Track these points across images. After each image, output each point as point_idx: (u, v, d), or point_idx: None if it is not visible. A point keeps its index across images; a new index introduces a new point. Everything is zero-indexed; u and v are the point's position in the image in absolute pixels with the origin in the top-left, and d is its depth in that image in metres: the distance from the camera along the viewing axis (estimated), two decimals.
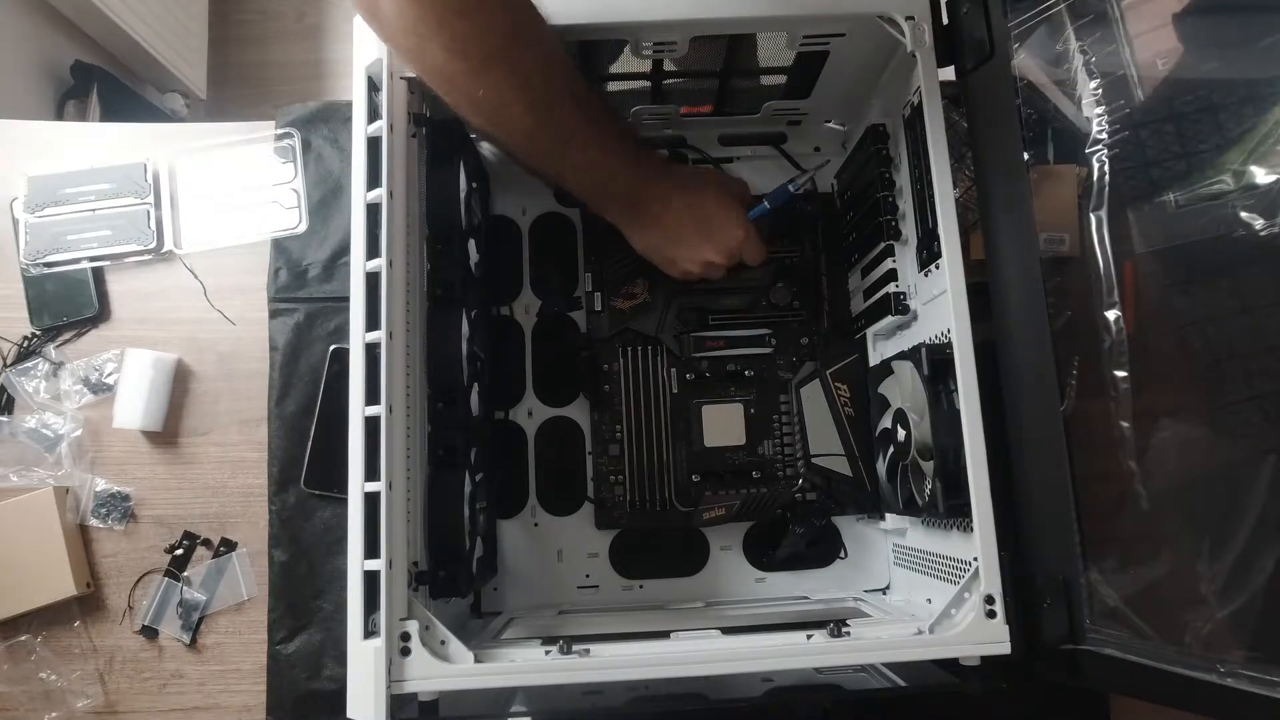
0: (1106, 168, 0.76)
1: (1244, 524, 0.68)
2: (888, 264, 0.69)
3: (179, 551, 0.78)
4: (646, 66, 0.69)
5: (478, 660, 0.54)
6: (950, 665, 0.57)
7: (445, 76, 0.56)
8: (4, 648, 0.77)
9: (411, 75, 0.60)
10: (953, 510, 0.59)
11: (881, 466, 0.70)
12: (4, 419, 0.80)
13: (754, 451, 0.75)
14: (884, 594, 0.75)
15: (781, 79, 0.73)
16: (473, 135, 0.72)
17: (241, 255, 0.83)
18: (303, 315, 0.81)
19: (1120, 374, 0.73)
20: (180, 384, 0.81)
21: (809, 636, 0.56)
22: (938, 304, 0.62)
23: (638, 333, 0.76)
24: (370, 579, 0.53)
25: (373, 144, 0.58)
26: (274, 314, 0.81)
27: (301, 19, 1.83)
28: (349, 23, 0.60)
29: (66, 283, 0.82)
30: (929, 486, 0.61)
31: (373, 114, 0.59)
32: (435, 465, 0.61)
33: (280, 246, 0.83)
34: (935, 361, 0.61)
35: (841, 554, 0.76)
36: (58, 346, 0.81)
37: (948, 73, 0.64)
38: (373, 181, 0.58)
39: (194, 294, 0.82)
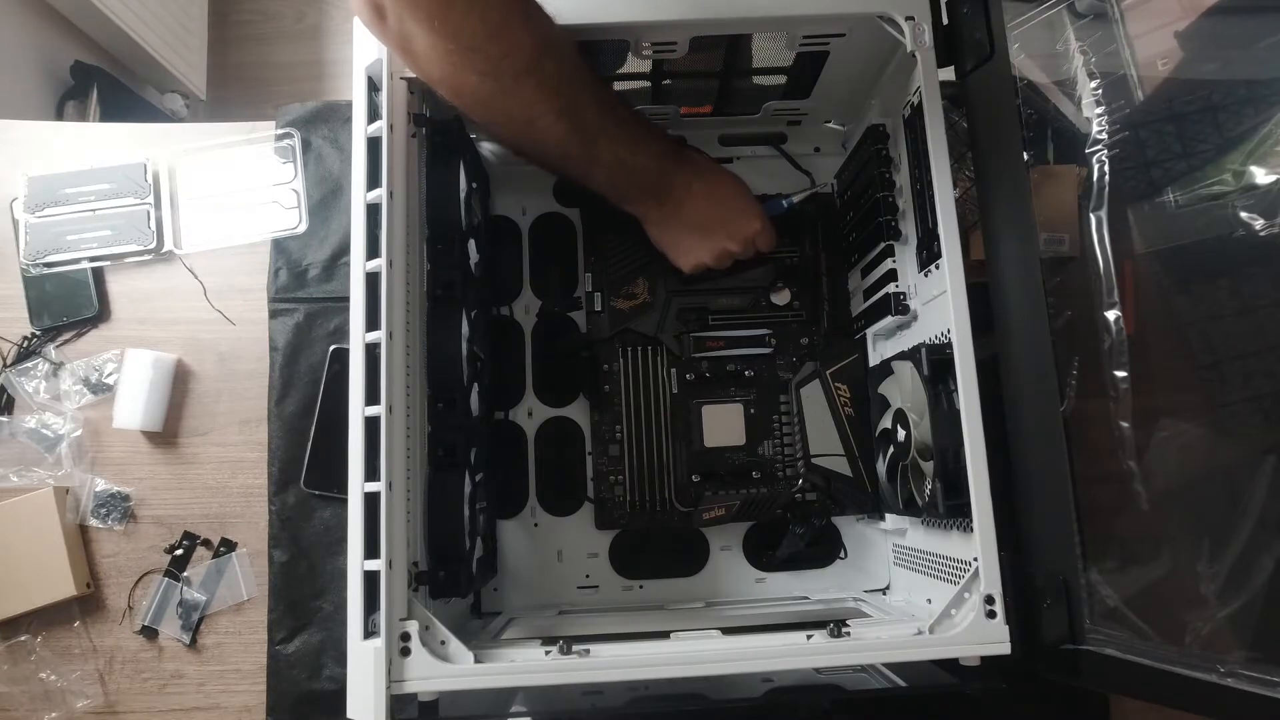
0: (1106, 168, 0.76)
1: (1244, 524, 0.68)
2: (888, 264, 0.69)
3: (179, 551, 0.78)
4: (646, 66, 0.69)
5: (478, 660, 0.54)
6: (950, 665, 0.57)
7: (480, 99, 0.57)
8: (4, 648, 0.77)
9: (412, 75, 0.60)
10: (953, 510, 0.59)
11: (881, 466, 0.70)
12: (4, 419, 0.80)
13: (754, 451, 0.75)
14: (884, 594, 0.75)
15: (781, 79, 0.73)
16: (473, 135, 0.72)
17: (241, 255, 0.83)
18: (303, 315, 0.81)
19: (1120, 374, 0.73)
20: (180, 384, 0.81)
21: (809, 637, 0.56)
22: (938, 304, 0.62)
23: (638, 333, 0.76)
24: (370, 579, 0.53)
25: (373, 144, 0.59)
26: (274, 314, 0.81)
27: (301, 19, 1.83)
28: (349, 23, 0.60)
29: (66, 283, 0.82)
30: (929, 487, 0.61)
31: (373, 114, 0.59)
32: (435, 465, 0.61)
33: (280, 246, 0.83)
34: (935, 362, 0.61)
35: (841, 554, 0.76)
36: (58, 346, 0.81)
37: (948, 73, 0.64)
38: (373, 181, 0.58)
39: (194, 294, 0.82)
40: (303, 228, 0.83)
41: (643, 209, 0.70)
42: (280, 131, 0.85)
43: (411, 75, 0.60)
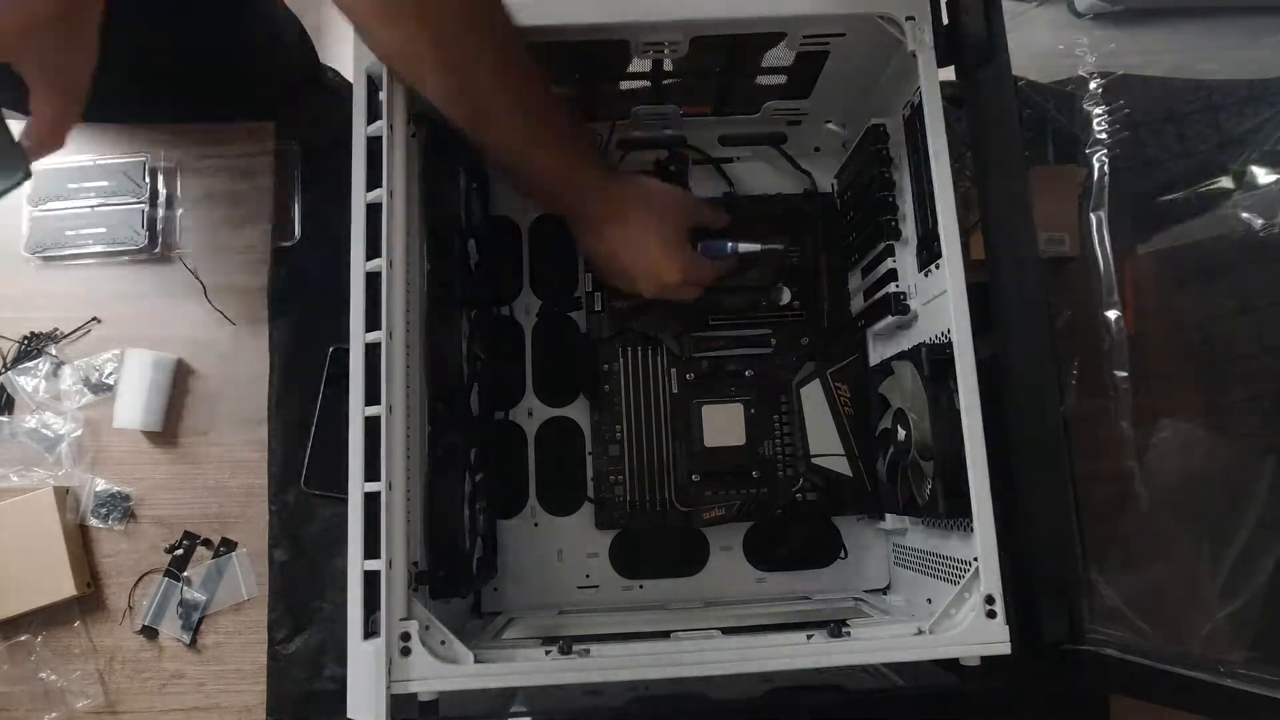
0: (1106, 168, 0.77)
1: (1244, 524, 0.68)
2: (888, 264, 0.69)
3: (179, 551, 0.78)
4: (646, 66, 0.69)
5: (478, 660, 0.54)
6: (950, 665, 0.57)
7: (359, 22, 0.55)
8: (4, 648, 0.77)
9: None
10: (953, 510, 0.59)
11: (881, 466, 0.70)
12: (4, 419, 0.80)
13: (754, 451, 0.75)
14: (884, 594, 0.75)
15: (781, 79, 0.73)
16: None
17: (242, 255, 0.83)
18: (303, 315, 0.81)
19: (1120, 374, 0.73)
20: (180, 384, 0.81)
21: (809, 637, 0.56)
22: (938, 304, 0.62)
23: (638, 333, 0.76)
24: (370, 579, 0.53)
25: (373, 144, 0.58)
26: (274, 314, 0.81)
27: (301, 19, 1.82)
28: (349, 23, 0.60)
29: None
30: (929, 486, 0.61)
31: (373, 114, 0.59)
32: (435, 465, 0.61)
33: (281, 246, 0.83)
34: (935, 362, 0.61)
35: (841, 554, 0.76)
36: (58, 346, 0.81)
37: (948, 73, 0.64)
38: (373, 181, 0.58)
39: (194, 294, 0.82)
40: (295, 239, 0.83)
41: (567, 212, 0.69)
42: (281, 144, 0.85)
43: None
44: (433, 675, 0.53)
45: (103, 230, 0.82)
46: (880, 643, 0.56)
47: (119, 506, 0.79)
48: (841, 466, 0.72)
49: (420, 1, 0.54)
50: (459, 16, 0.55)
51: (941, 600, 0.58)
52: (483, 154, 0.66)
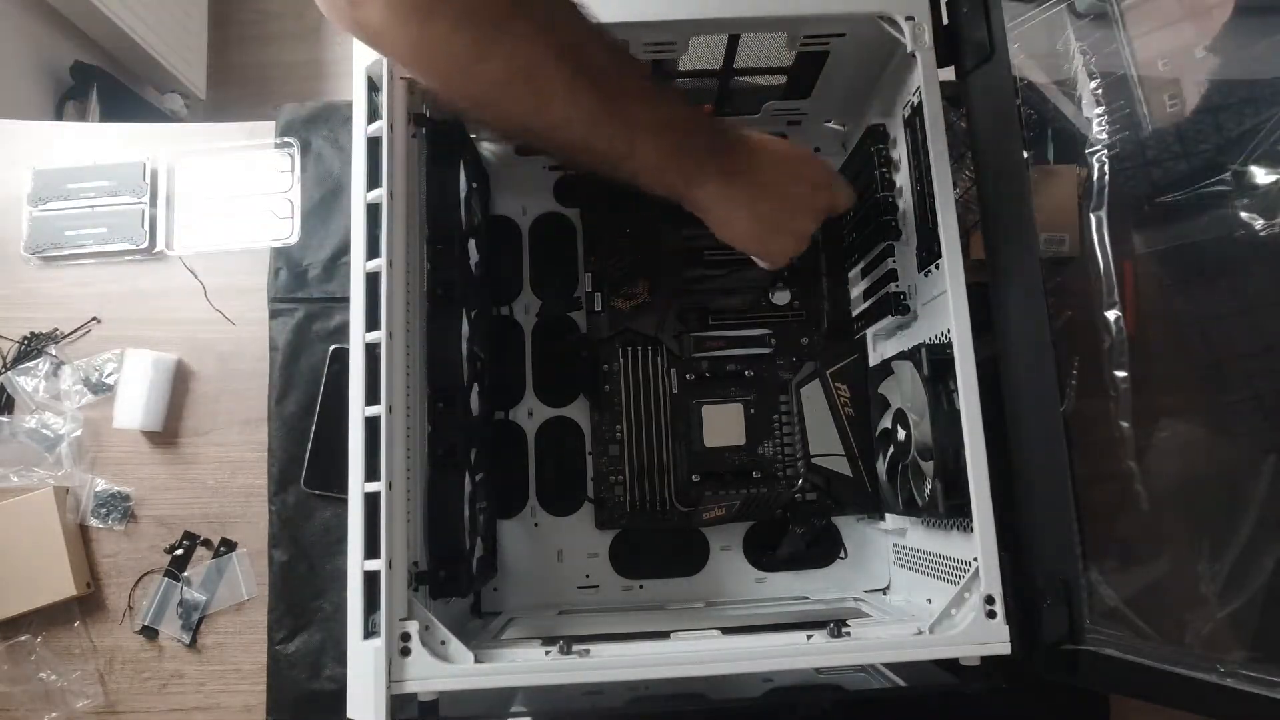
0: (1106, 168, 0.76)
1: (1244, 524, 0.68)
2: (888, 264, 0.69)
3: (179, 551, 0.78)
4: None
5: (478, 660, 0.54)
6: (950, 665, 0.57)
7: (455, 58, 0.46)
8: (4, 648, 0.77)
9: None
10: (953, 510, 0.59)
11: (881, 466, 0.70)
12: (4, 419, 0.80)
13: (754, 451, 0.75)
14: (884, 594, 0.75)
15: (781, 79, 0.73)
16: (473, 135, 0.72)
17: (241, 256, 0.83)
18: (303, 315, 0.81)
19: (1120, 374, 0.73)
20: (180, 384, 0.81)
21: (809, 637, 0.56)
22: (938, 304, 0.62)
23: (638, 333, 0.76)
24: (370, 579, 0.53)
25: (373, 144, 0.59)
26: (274, 314, 0.81)
27: (301, 19, 1.83)
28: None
29: None
30: (929, 486, 0.61)
31: (373, 114, 0.59)
32: (435, 465, 0.61)
33: (280, 247, 0.83)
34: (935, 362, 0.61)
35: (841, 554, 0.76)
36: (58, 346, 0.81)
37: (948, 73, 0.64)
38: (373, 181, 0.58)
39: (194, 294, 0.82)
40: (294, 239, 0.83)
41: (701, 195, 0.57)
42: (279, 140, 0.85)
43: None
44: (433, 675, 0.53)
45: (103, 230, 0.82)
46: (880, 643, 0.56)
47: (119, 506, 0.79)
48: (841, 466, 0.72)
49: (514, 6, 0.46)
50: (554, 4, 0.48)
51: (941, 600, 0.58)
52: (627, 173, 0.54)
